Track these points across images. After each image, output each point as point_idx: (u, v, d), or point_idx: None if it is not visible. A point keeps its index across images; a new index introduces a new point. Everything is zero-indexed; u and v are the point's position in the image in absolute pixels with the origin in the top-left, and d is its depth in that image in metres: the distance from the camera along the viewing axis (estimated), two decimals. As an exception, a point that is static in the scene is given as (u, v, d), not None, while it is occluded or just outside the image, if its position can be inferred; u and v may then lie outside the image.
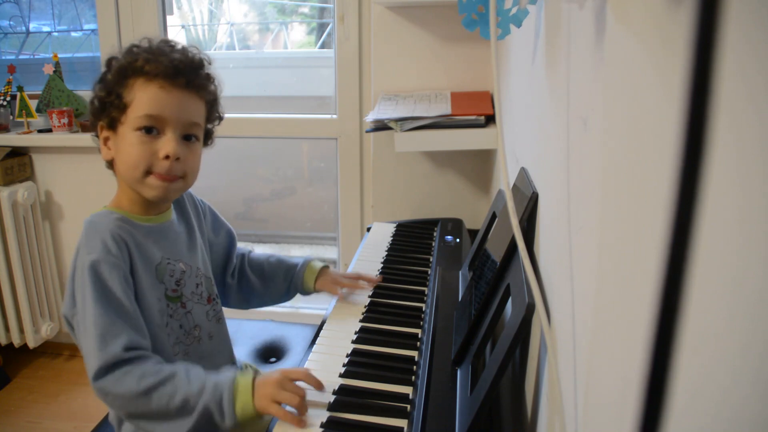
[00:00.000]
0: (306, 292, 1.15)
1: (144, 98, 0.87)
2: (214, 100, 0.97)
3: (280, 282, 1.14)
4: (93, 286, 0.82)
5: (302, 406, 0.78)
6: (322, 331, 1.02)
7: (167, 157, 0.87)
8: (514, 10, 0.74)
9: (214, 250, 1.09)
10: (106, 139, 0.91)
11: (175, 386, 0.79)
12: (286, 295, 1.16)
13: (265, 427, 0.82)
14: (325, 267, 1.15)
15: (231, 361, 1.07)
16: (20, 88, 1.99)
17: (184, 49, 0.91)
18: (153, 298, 0.90)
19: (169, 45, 0.91)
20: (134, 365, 0.80)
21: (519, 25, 0.74)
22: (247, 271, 1.14)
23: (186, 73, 0.89)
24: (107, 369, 0.80)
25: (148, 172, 0.88)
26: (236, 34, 2.45)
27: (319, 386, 0.82)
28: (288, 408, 0.78)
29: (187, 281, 0.96)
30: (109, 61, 0.92)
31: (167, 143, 0.88)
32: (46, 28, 2.36)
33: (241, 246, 1.18)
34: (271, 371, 0.84)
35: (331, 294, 1.12)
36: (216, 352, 1.02)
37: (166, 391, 0.79)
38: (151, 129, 0.87)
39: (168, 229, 0.96)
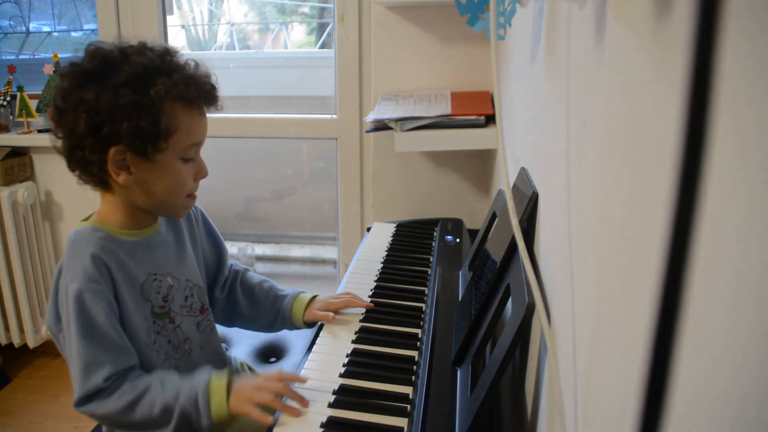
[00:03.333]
0: (295, 327, 1.10)
1: (190, 126, 0.86)
2: None
3: (266, 310, 1.10)
4: (77, 318, 0.82)
5: (279, 403, 0.81)
6: (322, 331, 1.02)
7: (196, 177, 0.91)
8: (508, 10, 0.74)
9: (205, 259, 1.06)
10: (119, 162, 0.83)
11: (153, 397, 0.83)
12: (271, 326, 1.11)
13: (265, 425, 0.82)
14: (314, 297, 1.09)
15: (224, 366, 1.05)
16: (20, 88, 1.99)
17: (197, 65, 0.89)
18: (139, 317, 0.89)
19: (184, 60, 0.88)
20: (113, 389, 0.84)
21: (510, 24, 0.75)
22: (237, 289, 1.11)
23: (215, 97, 0.90)
24: (88, 398, 0.83)
25: (188, 195, 0.91)
26: (236, 34, 2.45)
27: (297, 379, 0.84)
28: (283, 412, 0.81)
29: (175, 295, 0.95)
30: (117, 76, 0.81)
31: (202, 165, 0.92)
32: (46, 28, 2.36)
33: (239, 263, 1.15)
34: (249, 377, 0.87)
35: (321, 319, 1.05)
36: (208, 362, 1.00)
37: (146, 403, 0.82)
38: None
39: (155, 242, 0.94)
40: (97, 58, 0.82)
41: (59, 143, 0.86)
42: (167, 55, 0.86)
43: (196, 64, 0.89)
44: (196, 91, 0.85)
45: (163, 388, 0.83)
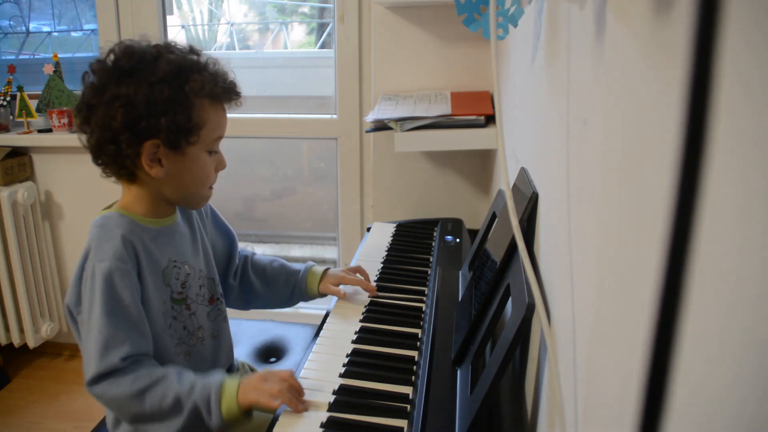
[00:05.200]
0: (310, 298, 1.16)
1: (217, 121, 0.91)
2: None
3: (282, 287, 1.15)
4: (103, 296, 0.83)
5: (285, 395, 0.80)
6: (322, 331, 1.02)
7: (216, 169, 0.95)
8: (512, 10, 0.74)
9: (215, 250, 1.09)
10: (152, 155, 0.86)
11: (167, 387, 0.82)
12: (288, 301, 1.17)
13: (264, 425, 0.82)
14: (327, 269, 1.16)
15: (230, 360, 1.07)
16: (20, 88, 1.99)
17: (217, 64, 0.92)
18: (158, 301, 0.90)
19: (206, 59, 0.91)
20: (128, 370, 0.83)
21: (516, 25, 0.74)
22: (249, 273, 1.15)
23: (240, 94, 0.95)
24: (102, 377, 0.83)
25: (209, 187, 0.96)
26: (236, 34, 2.45)
27: (297, 408, 0.82)
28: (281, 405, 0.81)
29: (192, 283, 0.97)
30: (154, 72, 0.84)
31: (222, 158, 0.96)
32: (46, 28, 2.36)
33: (243, 248, 1.18)
34: (256, 372, 0.88)
35: (334, 294, 1.12)
36: (218, 351, 1.03)
37: (158, 392, 0.82)
38: None
39: (174, 231, 0.96)
40: (132, 55, 0.85)
41: (84, 138, 0.89)
42: (193, 52, 0.90)
43: (216, 63, 0.92)
44: (223, 87, 0.90)
45: (179, 381, 0.83)
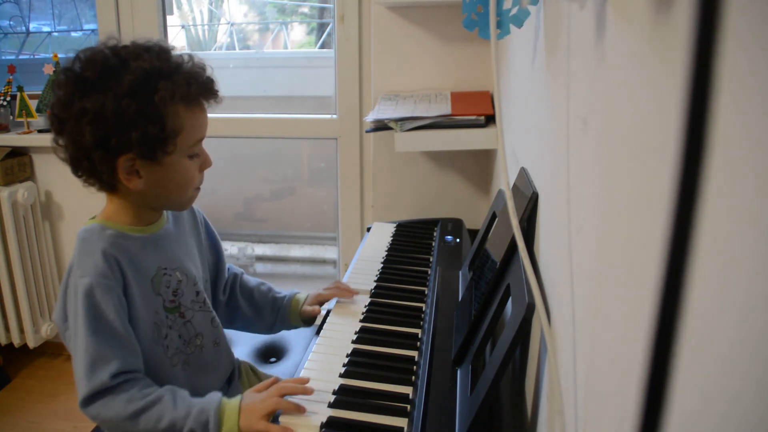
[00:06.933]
0: (294, 326, 1.13)
1: (194, 124, 0.86)
2: None
3: (267, 312, 1.13)
4: (86, 313, 0.81)
5: (286, 404, 0.80)
6: (322, 331, 1.02)
7: (201, 169, 0.92)
8: (514, 11, 0.74)
9: (206, 260, 1.08)
10: (129, 168, 0.83)
11: (162, 410, 0.81)
12: (271, 328, 1.14)
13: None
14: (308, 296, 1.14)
15: (232, 367, 1.06)
16: (20, 88, 1.99)
17: (192, 59, 0.88)
18: (149, 312, 0.88)
19: (179, 57, 0.87)
20: (121, 390, 0.82)
21: (520, 26, 0.74)
22: (237, 292, 1.13)
23: (216, 90, 0.89)
24: (94, 397, 0.81)
25: (195, 189, 0.92)
26: (236, 34, 2.45)
27: (306, 391, 0.83)
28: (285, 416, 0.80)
29: (185, 290, 0.95)
30: (119, 84, 0.79)
31: (206, 157, 0.92)
32: (46, 28, 2.36)
33: (234, 266, 1.17)
34: (257, 390, 0.85)
35: (314, 314, 1.09)
36: (219, 358, 1.01)
37: (153, 415, 0.80)
38: None
39: (163, 237, 0.94)
40: (95, 65, 0.80)
41: (61, 150, 0.86)
42: (163, 53, 0.85)
43: (191, 58, 0.88)
44: (197, 88, 0.85)
45: (174, 404, 0.81)
